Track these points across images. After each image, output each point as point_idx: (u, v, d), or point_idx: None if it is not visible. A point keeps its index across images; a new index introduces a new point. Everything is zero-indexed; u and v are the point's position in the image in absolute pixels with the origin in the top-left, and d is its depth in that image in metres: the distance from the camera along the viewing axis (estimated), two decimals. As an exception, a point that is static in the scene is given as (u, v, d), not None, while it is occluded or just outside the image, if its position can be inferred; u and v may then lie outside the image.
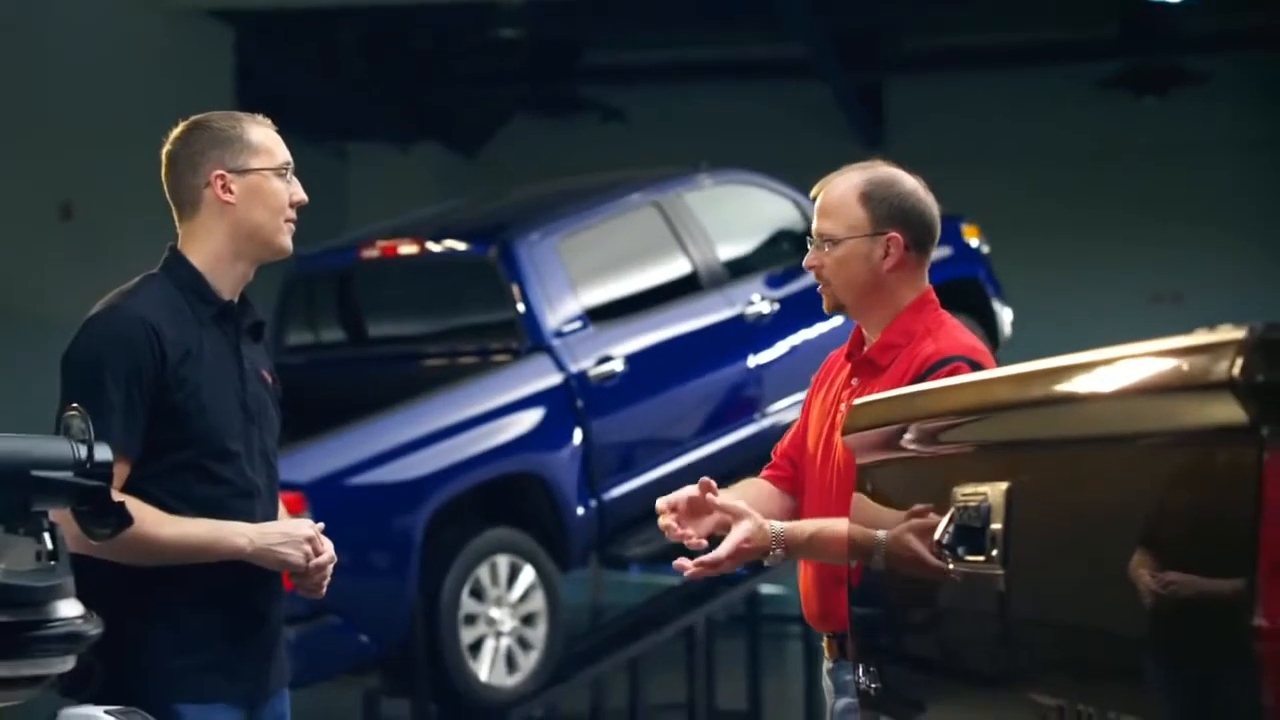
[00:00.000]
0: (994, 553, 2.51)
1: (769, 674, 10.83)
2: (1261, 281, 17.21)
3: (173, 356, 3.52)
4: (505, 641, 7.99)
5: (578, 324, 8.39)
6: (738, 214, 9.39)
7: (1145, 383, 2.10)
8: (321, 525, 3.66)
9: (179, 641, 3.48)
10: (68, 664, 2.87)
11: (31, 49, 12.26)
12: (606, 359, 8.37)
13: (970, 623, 2.66)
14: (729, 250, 9.13)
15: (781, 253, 9.38)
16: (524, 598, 8.05)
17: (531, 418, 8.16)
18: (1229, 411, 1.91)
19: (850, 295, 3.73)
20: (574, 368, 8.27)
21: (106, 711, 2.98)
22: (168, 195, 3.71)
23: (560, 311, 8.35)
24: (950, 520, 2.65)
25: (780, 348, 9.00)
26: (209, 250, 3.65)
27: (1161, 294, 17.45)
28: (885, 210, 3.68)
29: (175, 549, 3.46)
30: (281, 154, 3.68)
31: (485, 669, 7.89)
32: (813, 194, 3.80)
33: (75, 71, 12.56)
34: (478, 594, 7.89)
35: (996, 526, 2.51)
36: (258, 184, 3.63)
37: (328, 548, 3.63)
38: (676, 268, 8.88)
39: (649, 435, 8.53)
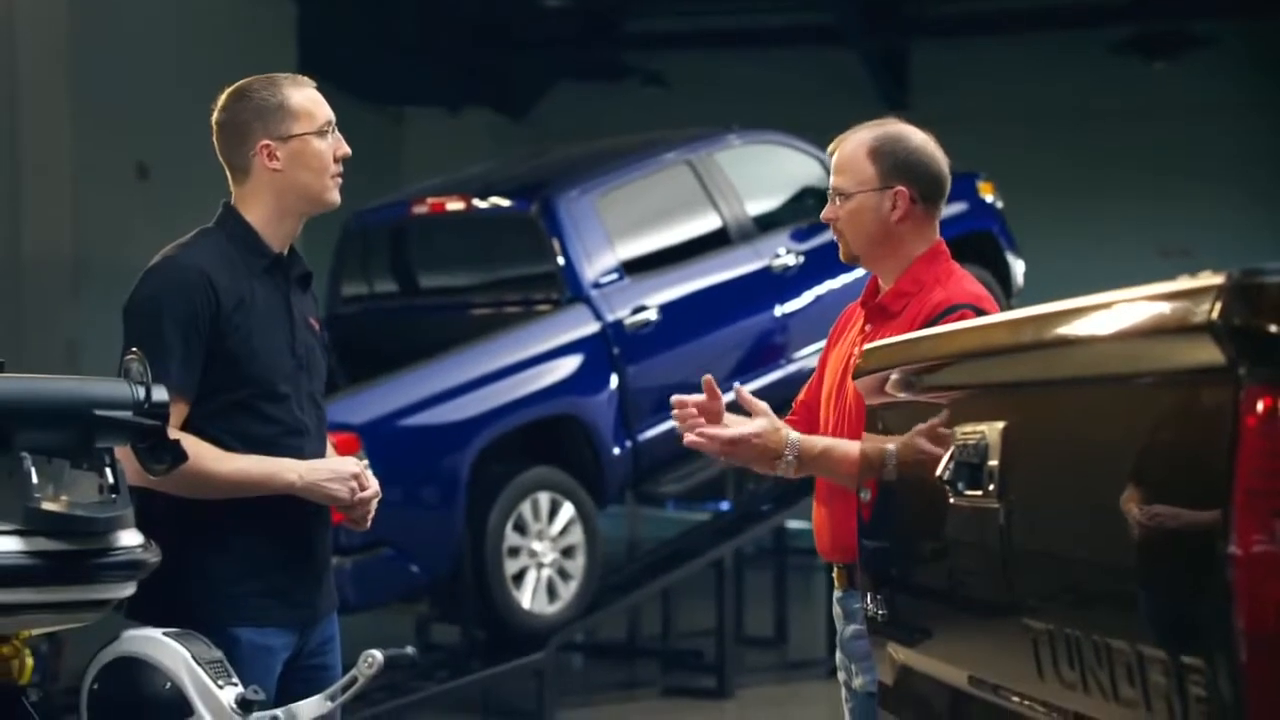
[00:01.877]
0: (991, 487, 2.50)
1: (793, 603, 10.85)
2: (1267, 236, 17.11)
3: (227, 304, 3.53)
4: (546, 572, 8.02)
5: (614, 276, 8.38)
6: (765, 172, 9.35)
7: (1131, 326, 2.09)
8: (366, 462, 3.67)
9: (236, 569, 3.49)
10: (129, 589, 2.90)
11: (109, 21, 12.28)
12: (641, 309, 8.36)
13: (969, 553, 2.66)
14: (756, 206, 9.10)
15: (806, 208, 9.34)
16: (563, 531, 8.07)
17: (571, 364, 8.16)
18: (1208, 352, 1.89)
19: (862, 246, 3.71)
20: (610, 317, 8.27)
21: (165, 633, 3.00)
22: (221, 159, 3.72)
23: (598, 264, 8.34)
24: (951, 457, 2.64)
25: (805, 298, 8.98)
26: (261, 209, 3.66)
27: (1170, 248, 17.31)
28: (892, 165, 3.66)
29: (231, 483, 3.47)
30: (322, 114, 3.67)
31: (528, 598, 7.92)
32: (829, 151, 3.78)
33: (149, 41, 12.59)
34: (520, 528, 7.92)
35: (993, 463, 2.50)
36: (301, 149, 3.62)
37: (372, 484, 3.64)
38: (707, 223, 8.86)
39: (681, 380, 8.50)
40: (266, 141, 3.61)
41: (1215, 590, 1.86)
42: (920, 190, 3.66)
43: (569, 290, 8.26)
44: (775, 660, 10.26)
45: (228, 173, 3.72)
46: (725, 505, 11.87)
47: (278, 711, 3.01)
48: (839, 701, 3.80)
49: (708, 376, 3.65)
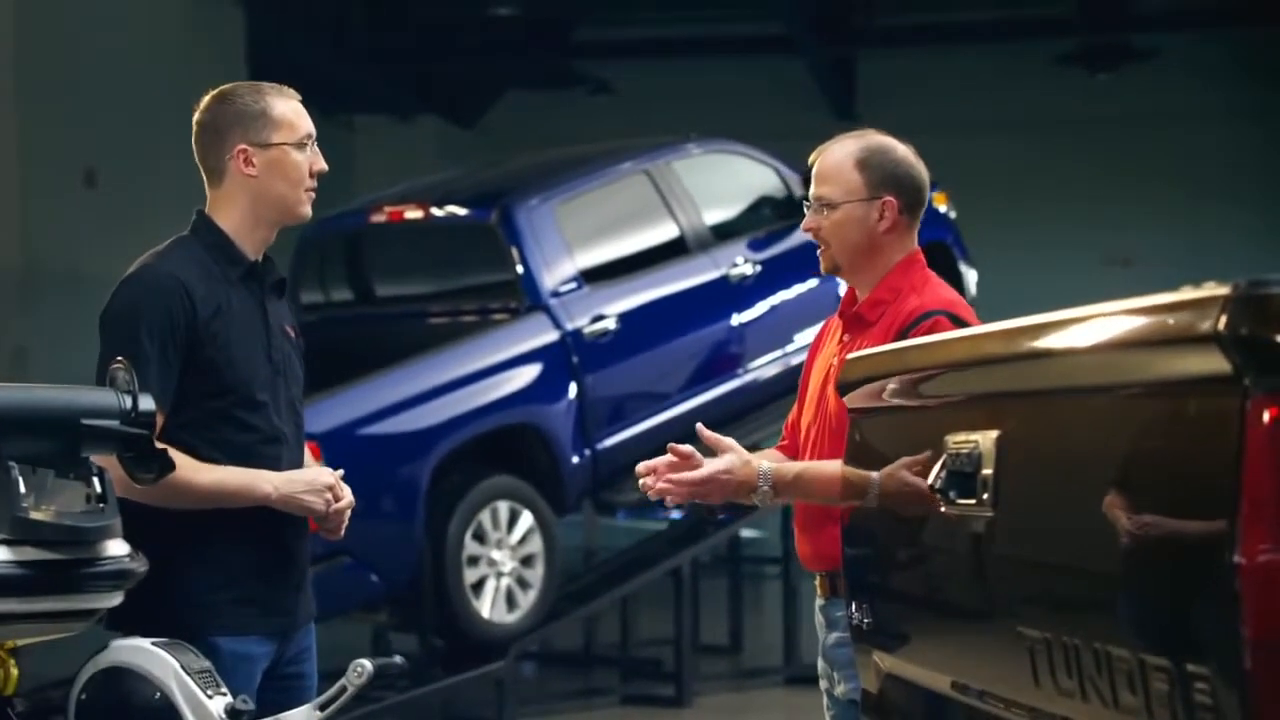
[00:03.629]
0: (985, 496, 2.50)
1: (749, 611, 10.88)
2: (1207, 245, 17.24)
3: (203, 312, 3.52)
4: (505, 581, 8.01)
5: (573, 284, 8.38)
6: (722, 181, 9.37)
7: (1136, 336, 2.09)
8: (341, 472, 3.67)
9: (215, 579, 3.49)
10: (117, 599, 2.88)
11: (59, 26, 12.20)
12: (600, 317, 8.37)
13: (961, 562, 2.66)
14: (714, 215, 9.13)
15: (763, 218, 9.38)
16: (523, 540, 8.07)
17: (530, 373, 8.16)
18: (1214, 362, 1.89)
19: (847, 256, 3.71)
20: (570, 326, 8.27)
21: (154, 643, 2.99)
22: (197, 161, 3.70)
23: (557, 273, 8.34)
24: (943, 466, 2.65)
25: (761, 307, 9.01)
26: (234, 215, 3.64)
27: (1114, 256, 17.47)
28: (880, 175, 3.67)
29: (208, 494, 3.46)
30: (303, 126, 3.66)
31: (487, 606, 7.91)
32: (809, 161, 3.78)
33: (97, 47, 12.50)
34: (480, 537, 7.91)
35: (988, 472, 2.50)
36: (279, 158, 3.61)
37: (346, 494, 3.64)
38: (665, 232, 8.88)
39: (639, 389, 8.54)
40: (244, 146, 3.59)
41: (1221, 598, 1.86)
42: (905, 201, 3.68)
43: (528, 299, 8.27)
44: (730, 668, 10.29)
45: (203, 176, 3.69)
46: (676, 514, 11.90)
47: (266, 721, 3.00)
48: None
49: (675, 446, 3.61)
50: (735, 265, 8.91)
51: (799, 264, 9.12)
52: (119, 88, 12.56)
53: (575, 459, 8.24)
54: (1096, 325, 2.19)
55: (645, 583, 9.19)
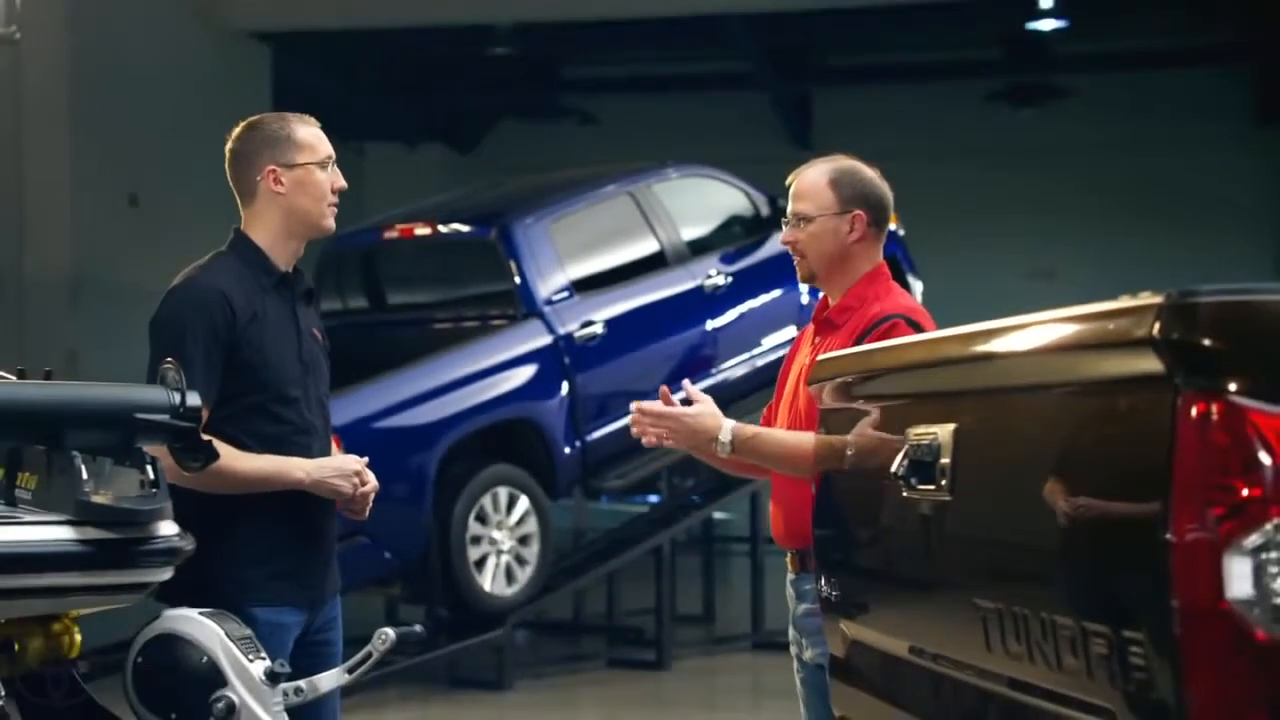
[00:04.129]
0: (943, 482, 2.50)
1: (720, 585, 10.88)
2: (1119, 260, 17.30)
3: (241, 319, 3.51)
4: (504, 558, 8.00)
5: (565, 294, 8.37)
6: (698, 202, 9.38)
7: (1079, 340, 2.09)
8: (366, 459, 3.65)
9: (253, 556, 3.47)
10: (167, 574, 2.87)
11: (106, 63, 12.17)
12: (589, 323, 8.36)
13: (920, 541, 2.65)
14: (690, 232, 9.13)
15: (734, 234, 9.38)
16: (520, 522, 8.05)
17: (526, 372, 8.15)
18: (1149, 363, 1.90)
19: (821, 265, 3.71)
20: (562, 330, 8.26)
21: (200, 613, 2.97)
22: (231, 185, 3.69)
23: (550, 283, 8.33)
24: (904, 455, 2.65)
25: (732, 314, 9.01)
26: (267, 231, 3.63)
27: (1036, 271, 17.51)
28: (850, 193, 3.67)
29: (248, 480, 3.45)
30: (324, 148, 3.66)
31: (488, 581, 7.90)
32: (787, 182, 3.78)
33: (141, 82, 12.47)
34: (482, 519, 7.89)
35: (945, 461, 2.50)
36: (303, 176, 3.60)
37: (371, 479, 3.63)
38: (647, 247, 8.88)
39: (624, 387, 8.53)
40: (273, 167, 3.59)
41: (1154, 573, 1.86)
42: (873, 215, 3.68)
43: (524, 306, 8.25)
44: (704, 635, 10.28)
45: (237, 197, 3.68)
46: (654, 498, 11.90)
47: (301, 683, 2.98)
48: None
49: (664, 387, 3.65)
50: (709, 277, 8.90)
51: (766, 276, 9.15)
52: (159, 119, 12.53)
53: (567, 449, 8.23)
54: (1045, 330, 2.20)
55: (629, 560, 9.18)
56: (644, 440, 3.62)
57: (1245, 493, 1.81)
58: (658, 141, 14.07)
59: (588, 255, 8.68)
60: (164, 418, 2.85)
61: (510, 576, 7.99)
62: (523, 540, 8.04)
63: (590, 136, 17.37)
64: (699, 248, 9.07)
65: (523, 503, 8.04)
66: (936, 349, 2.60)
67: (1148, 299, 1.95)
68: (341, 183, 3.65)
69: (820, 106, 18.04)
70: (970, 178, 17.54)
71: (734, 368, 8.92)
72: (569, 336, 8.26)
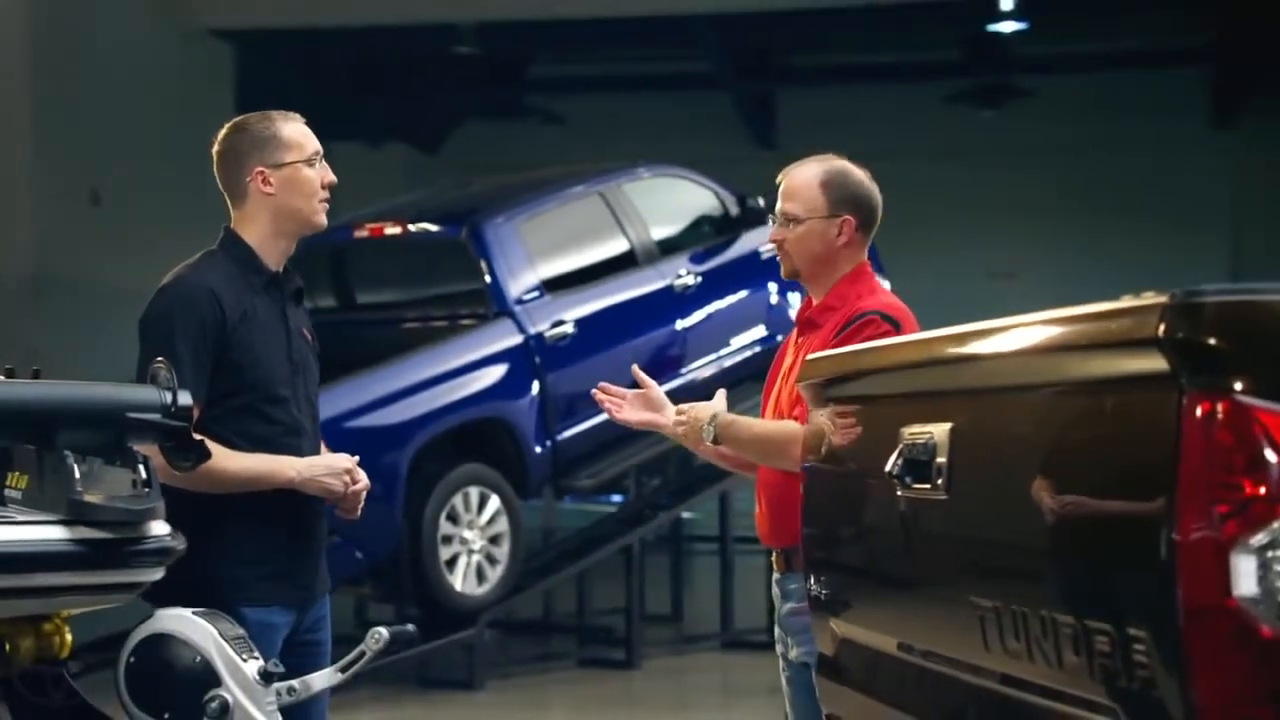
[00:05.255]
0: (940, 481, 2.50)
1: (688, 584, 10.90)
2: (1079, 262, 17.40)
3: (231, 317, 3.49)
4: (475, 558, 7.98)
5: (535, 293, 8.36)
6: (667, 201, 9.38)
7: (1084, 339, 2.10)
8: (357, 458, 3.64)
9: (243, 556, 3.45)
10: (159, 573, 2.85)
11: (68, 61, 12.09)
12: (560, 322, 8.35)
13: (916, 541, 2.66)
14: (660, 231, 9.13)
15: (703, 234, 9.39)
16: (491, 521, 8.04)
17: (497, 372, 8.14)
18: (1154, 363, 1.91)
19: (806, 265, 3.72)
20: (532, 330, 8.25)
21: (194, 612, 2.96)
22: (220, 186, 3.67)
23: (521, 282, 8.31)
24: (899, 454, 2.64)
25: (702, 313, 9.02)
26: (257, 230, 3.62)
27: (997, 271, 17.60)
28: (840, 195, 3.68)
29: (239, 479, 3.44)
30: (311, 145, 3.65)
31: (459, 580, 7.89)
32: (777, 180, 3.79)
33: (103, 79, 12.40)
34: (453, 518, 7.88)
35: (942, 460, 2.51)
36: (292, 175, 3.59)
37: (362, 477, 3.62)
38: (617, 246, 8.87)
39: (594, 386, 8.51)
40: (261, 168, 3.57)
41: (1159, 571, 1.87)
42: (862, 219, 3.69)
43: (495, 306, 8.23)
44: (672, 635, 10.29)
45: (226, 198, 3.66)
46: (617, 498, 11.90)
47: (294, 682, 2.97)
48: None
49: (635, 366, 3.71)
50: (679, 276, 8.91)
51: (735, 276, 9.16)
52: (121, 116, 12.45)
53: (538, 449, 8.22)
54: (1048, 330, 2.20)
55: (599, 559, 9.18)
56: (604, 408, 3.68)
57: (1251, 491, 1.83)
58: (622, 141, 14.07)
59: (558, 254, 8.67)
60: (156, 417, 2.84)
61: (481, 576, 7.98)
62: (494, 540, 8.03)
63: (555, 136, 17.35)
64: (669, 247, 9.08)
65: (494, 502, 8.02)
66: (936, 348, 2.60)
67: (1152, 299, 1.96)
68: (331, 177, 3.64)
69: (784, 107, 18.08)
70: (932, 178, 17.60)
71: (703, 367, 8.93)
72: (540, 336, 8.25)
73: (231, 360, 3.48)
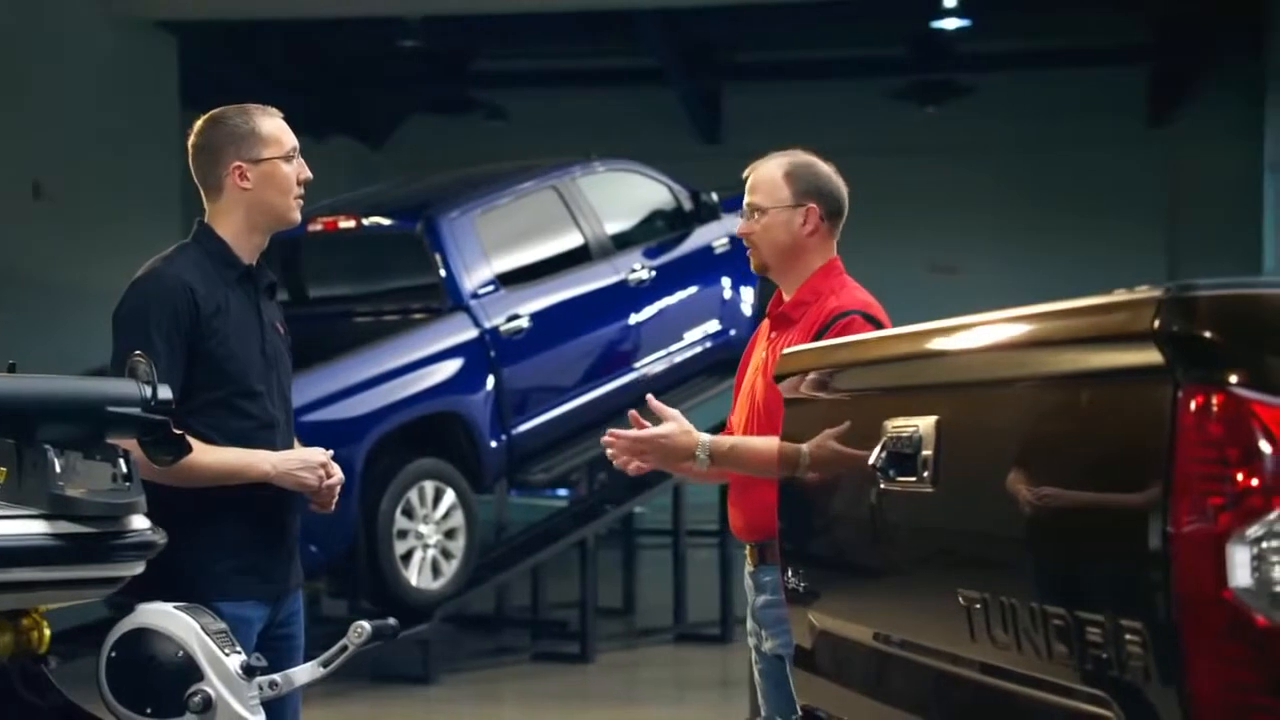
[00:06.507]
0: (925, 474, 2.50)
1: (640, 579, 10.92)
2: (1019, 256, 17.55)
3: (205, 310, 3.47)
4: (431, 552, 7.96)
5: (491, 287, 8.34)
6: (621, 196, 9.38)
7: (1077, 332, 2.11)
8: (331, 452, 3.63)
9: (217, 550, 3.44)
10: (139, 568, 2.83)
11: (8, 50, 11.93)
12: (515, 316, 8.34)
13: (901, 534, 2.66)
14: (614, 226, 9.13)
15: (657, 229, 9.40)
16: (446, 516, 8.02)
17: (452, 366, 8.11)
18: (1150, 356, 1.92)
19: (774, 257, 3.73)
20: (488, 324, 8.23)
21: (176, 607, 2.94)
22: (195, 179, 3.65)
23: (476, 276, 8.29)
24: (883, 448, 2.64)
25: (656, 307, 9.03)
26: (232, 225, 3.60)
27: (938, 265, 17.73)
28: (804, 186, 3.70)
29: (214, 473, 3.42)
30: (289, 141, 3.63)
31: (414, 575, 7.86)
32: (744, 175, 3.80)
33: (45, 70, 12.24)
34: (408, 513, 7.85)
35: (928, 453, 2.51)
36: (270, 171, 3.58)
37: (337, 471, 3.60)
38: (572, 240, 8.87)
39: (550, 380, 8.53)
40: (239, 163, 3.55)
41: (1154, 562, 1.89)
42: (826, 209, 3.72)
43: (450, 300, 8.21)
44: (625, 628, 10.30)
45: (201, 191, 3.64)
46: (563, 492, 11.90)
47: (276, 676, 2.96)
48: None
49: (633, 412, 3.63)
50: (633, 271, 8.92)
51: (688, 270, 9.18)
52: (63, 108, 12.30)
53: (493, 443, 8.21)
54: (1041, 323, 2.21)
55: (554, 553, 9.18)
56: (616, 463, 3.61)
57: (1246, 483, 1.84)
58: (567, 137, 14.07)
59: (513, 249, 8.66)
60: (135, 411, 2.81)
61: (436, 570, 7.96)
62: (449, 534, 8.01)
63: (500, 131, 17.32)
64: (623, 242, 9.09)
65: (449, 496, 8.00)
66: (922, 341, 2.61)
67: (1147, 293, 1.97)
68: (307, 174, 3.63)
69: (729, 103, 18.12)
70: (875, 174, 17.57)
71: (657, 361, 8.94)
72: (495, 330, 8.24)
73: (206, 353, 3.46)
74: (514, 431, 8.28)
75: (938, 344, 2.56)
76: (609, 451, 3.62)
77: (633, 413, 3.63)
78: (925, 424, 2.53)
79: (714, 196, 9.27)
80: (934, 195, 17.79)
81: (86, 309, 11.98)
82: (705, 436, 3.55)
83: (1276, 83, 13.14)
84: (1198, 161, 17.57)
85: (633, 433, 3.54)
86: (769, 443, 3.51)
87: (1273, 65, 13.31)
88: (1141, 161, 17.71)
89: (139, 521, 2.81)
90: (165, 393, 2.85)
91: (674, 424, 3.55)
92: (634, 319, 8.92)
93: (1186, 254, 17.66)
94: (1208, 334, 1.89)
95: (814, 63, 17.12)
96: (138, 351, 2.93)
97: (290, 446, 3.62)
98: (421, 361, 7.98)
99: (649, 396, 3.68)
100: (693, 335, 9.13)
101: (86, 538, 2.69)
